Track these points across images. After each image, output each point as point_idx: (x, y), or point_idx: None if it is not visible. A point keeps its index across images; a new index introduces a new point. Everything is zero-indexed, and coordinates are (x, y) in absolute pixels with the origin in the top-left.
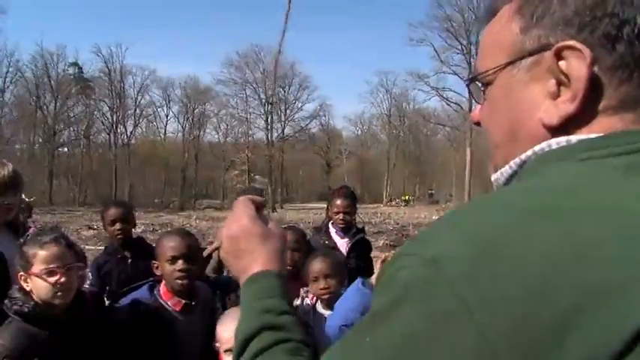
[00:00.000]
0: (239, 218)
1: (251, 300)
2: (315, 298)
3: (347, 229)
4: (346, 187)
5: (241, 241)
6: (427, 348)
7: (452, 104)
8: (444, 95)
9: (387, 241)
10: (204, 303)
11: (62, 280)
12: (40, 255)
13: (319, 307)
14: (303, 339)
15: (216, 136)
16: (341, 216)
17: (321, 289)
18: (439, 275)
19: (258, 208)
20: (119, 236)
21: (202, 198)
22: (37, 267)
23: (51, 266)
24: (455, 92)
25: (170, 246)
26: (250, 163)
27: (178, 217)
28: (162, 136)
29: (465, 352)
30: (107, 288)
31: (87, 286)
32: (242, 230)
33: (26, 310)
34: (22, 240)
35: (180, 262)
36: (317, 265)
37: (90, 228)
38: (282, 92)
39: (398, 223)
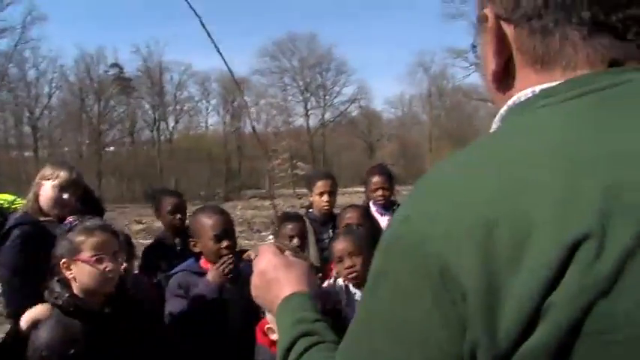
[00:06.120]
0: (264, 256)
1: (286, 317)
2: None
3: (387, 206)
4: (381, 165)
5: (269, 273)
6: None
7: None
8: None
9: None
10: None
11: (110, 267)
12: (89, 242)
13: (351, 288)
14: (335, 339)
15: (258, 126)
16: (380, 192)
17: (346, 268)
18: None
19: (281, 251)
20: (178, 225)
21: (247, 188)
22: (86, 253)
23: (100, 253)
24: None
25: (211, 224)
26: (292, 150)
27: (224, 207)
28: (205, 129)
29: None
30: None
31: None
32: (268, 264)
33: (60, 302)
34: (65, 227)
35: (225, 241)
36: (339, 245)
37: (138, 222)
38: (320, 78)
39: None
